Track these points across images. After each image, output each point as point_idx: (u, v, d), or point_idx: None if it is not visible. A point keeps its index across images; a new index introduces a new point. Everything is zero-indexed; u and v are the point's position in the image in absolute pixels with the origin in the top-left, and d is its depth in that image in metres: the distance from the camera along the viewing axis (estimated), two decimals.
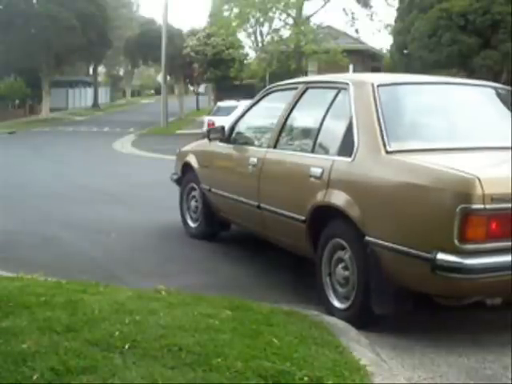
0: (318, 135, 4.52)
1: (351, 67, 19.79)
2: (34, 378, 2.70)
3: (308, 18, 31.12)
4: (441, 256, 3.27)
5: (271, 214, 4.79)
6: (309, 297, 4.38)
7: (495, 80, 20.05)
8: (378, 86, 4.19)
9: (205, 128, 20.95)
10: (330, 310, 4.05)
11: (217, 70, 33.52)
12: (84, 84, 54.88)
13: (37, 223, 7.53)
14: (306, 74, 33.88)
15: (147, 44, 39.87)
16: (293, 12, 29.85)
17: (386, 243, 3.59)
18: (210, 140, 5.99)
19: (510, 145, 3.91)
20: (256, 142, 5.47)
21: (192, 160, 6.31)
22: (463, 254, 3.24)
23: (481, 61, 17.76)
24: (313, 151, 4.51)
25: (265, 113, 5.61)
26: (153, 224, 7.30)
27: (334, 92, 4.56)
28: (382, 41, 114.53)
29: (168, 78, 38.03)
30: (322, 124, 4.52)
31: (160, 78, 41.12)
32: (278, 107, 5.16)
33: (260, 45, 31.45)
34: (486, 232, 3.27)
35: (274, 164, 4.90)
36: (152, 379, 2.71)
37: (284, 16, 30.11)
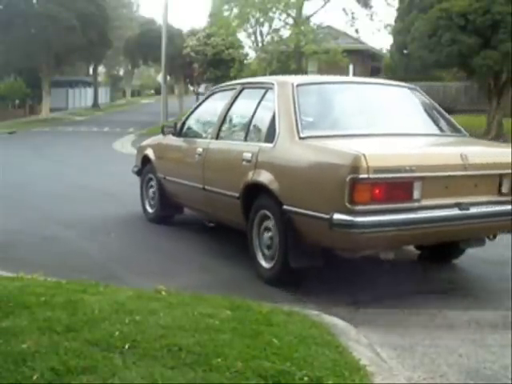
0: (249, 127, 5.48)
1: (351, 67, 19.79)
2: (34, 377, 2.70)
3: (308, 17, 31.09)
4: (336, 216, 4.10)
5: (214, 194, 5.73)
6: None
7: (495, 80, 20.06)
8: (297, 85, 5.13)
9: None
10: (259, 271, 4.97)
11: (217, 70, 33.49)
12: (84, 84, 54.84)
13: (37, 223, 7.53)
14: (306, 74, 33.91)
15: (147, 44, 39.84)
16: (293, 12, 29.82)
17: (298, 209, 4.49)
18: (164, 134, 6.99)
19: (399, 132, 5.02)
20: (202, 135, 6.36)
21: (150, 153, 7.28)
22: (353, 214, 4.04)
23: (481, 61, 17.74)
24: (245, 140, 5.44)
25: (209, 110, 6.45)
26: (151, 224, 7.34)
27: (263, 91, 5.49)
28: (381, 41, 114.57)
29: (168, 77, 37.99)
30: (252, 117, 5.49)
31: (160, 77, 41.11)
32: (220, 105, 6.09)
33: (260, 45, 31.40)
34: (371, 196, 4.10)
35: (215, 152, 5.86)
36: (152, 379, 2.72)
37: (284, 16, 30.09)
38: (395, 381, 3.08)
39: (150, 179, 7.31)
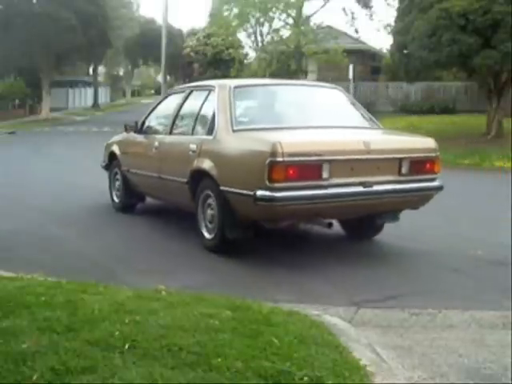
0: (195, 123, 6.45)
1: (351, 67, 19.77)
2: (34, 377, 2.70)
3: (308, 17, 31.09)
4: (259, 192, 5.06)
5: (168, 181, 6.62)
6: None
7: (495, 80, 20.05)
8: (234, 87, 6.14)
9: None
10: (204, 242, 5.94)
11: (217, 70, 33.51)
12: (84, 84, 54.83)
13: (37, 223, 7.53)
14: (306, 74, 33.88)
15: (147, 44, 39.90)
16: (293, 12, 29.82)
17: (231, 189, 5.45)
18: (127, 132, 7.93)
19: (315, 124, 5.98)
20: (158, 131, 7.26)
21: (115, 149, 8.17)
22: (272, 190, 5.01)
23: (481, 61, 17.72)
24: (192, 134, 6.41)
25: (165, 110, 7.38)
26: (150, 223, 7.36)
27: (206, 93, 6.47)
28: (381, 41, 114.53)
29: (168, 77, 38.00)
30: (198, 115, 6.47)
31: (160, 77, 41.11)
32: (173, 105, 7.07)
33: (260, 45, 31.39)
34: (285, 176, 5.05)
35: (169, 146, 6.79)
36: (152, 379, 2.71)
37: (284, 16, 30.10)
38: (395, 381, 3.08)
39: (116, 173, 8.14)
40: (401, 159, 5.63)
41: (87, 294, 3.95)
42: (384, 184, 5.52)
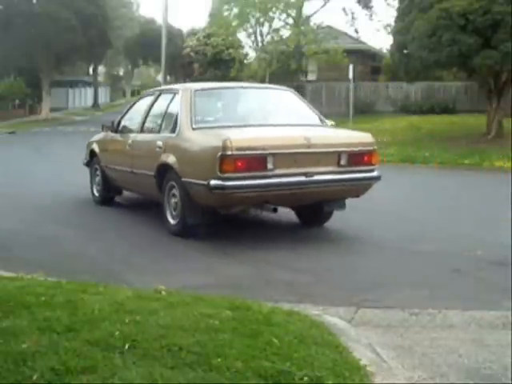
0: (162, 122, 7.20)
1: (351, 67, 19.74)
2: (34, 377, 2.69)
3: (308, 17, 31.10)
4: (212, 182, 5.83)
5: (139, 175, 7.35)
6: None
7: (495, 80, 20.04)
8: (195, 90, 6.95)
9: None
10: (168, 227, 6.66)
11: (217, 70, 33.48)
12: (84, 84, 54.83)
13: (37, 223, 7.53)
14: (306, 73, 33.88)
15: (147, 44, 39.89)
16: (293, 12, 29.83)
17: (191, 180, 6.18)
18: (104, 131, 8.72)
19: (265, 123, 6.78)
20: (132, 130, 7.93)
21: (95, 147, 8.88)
22: (223, 180, 5.78)
23: (481, 61, 17.71)
24: (159, 132, 7.17)
25: (137, 111, 8.09)
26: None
27: (172, 95, 7.25)
28: (382, 41, 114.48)
29: (168, 77, 38.01)
30: (164, 115, 7.24)
31: (160, 77, 41.08)
32: (144, 107, 7.86)
33: (260, 45, 31.37)
34: (235, 167, 5.80)
35: (139, 143, 7.53)
36: (152, 379, 2.71)
37: (284, 16, 30.10)
38: (395, 381, 3.07)
39: (96, 169, 8.85)
40: (340, 152, 6.37)
41: (87, 294, 3.95)
42: (324, 174, 6.29)
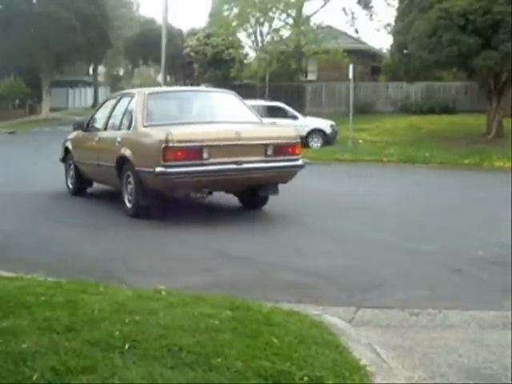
0: (121, 121, 8.35)
1: (351, 67, 19.73)
2: (34, 377, 2.69)
3: (308, 17, 31.09)
4: (157, 169, 7.00)
5: (103, 167, 8.47)
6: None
7: (495, 80, 20.04)
8: (148, 94, 8.26)
9: None
10: (126, 210, 7.79)
11: (217, 70, 33.46)
12: (84, 84, 54.83)
13: (36, 223, 7.53)
14: (306, 73, 33.88)
15: (147, 44, 39.85)
16: (293, 12, 29.83)
17: (142, 168, 7.34)
18: (76, 130, 10.04)
19: (206, 120, 7.95)
20: (98, 128, 9.02)
21: (69, 144, 10.04)
22: (166, 167, 6.95)
23: (481, 61, 17.72)
24: (118, 129, 8.30)
25: (103, 112, 9.29)
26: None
27: (130, 98, 8.45)
28: (382, 41, 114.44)
29: (168, 77, 38.00)
30: (123, 115, 8.36)
31: (160, 77, 41.06)
32: (108, 108, 9.04)
33: (260, 45, 31.35)
34: (175, 157, 7.00)
35: (103, 139, 8.68)
36: (152, 379, 2.71)
37: (284, 16, 30.10)
38: (395, 381, 3.07)
39: (70, 164, 9.91)
40: (266, 144, 7.51)
41: (87, 294, 3.95)
42: (253, 163, 7.42)
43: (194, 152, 7.07)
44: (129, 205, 7.73)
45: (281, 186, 8.00)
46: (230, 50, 32.55)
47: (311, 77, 34.18)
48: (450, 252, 6.02)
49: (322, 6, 30.83)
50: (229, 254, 5.89)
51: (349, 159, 16.33)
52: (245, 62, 33.78)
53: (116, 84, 68.27)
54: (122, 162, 7.75)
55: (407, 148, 18.19)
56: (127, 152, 7.62)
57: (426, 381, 3.19)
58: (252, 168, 7.40)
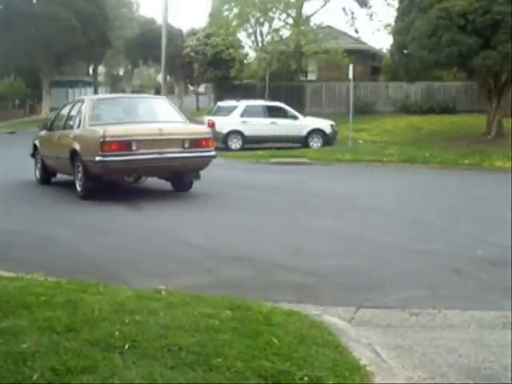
0: (74, 121, 10.21)
1: (351, 67, 19.71)
2: (34, 377, 2.69)
3: (308, 17, 31.06)
4: (97, 158, 8.85)
5: (60, 159, 10.28)
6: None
7: (495, 80, 20.03)
8: (96, 100, 10.87)
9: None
10: (78, 193, 9.54)
11: (217, 70, 33.40)
12: (84, 84, 54.75)
13: (36, 223, 7.53)
14: (306, 73, 33.85)
15: (147, 44, 39.80)
16: (293, 12, 29.80)
17: (87, 158, 9.12)
18: (42, 130, 11.92)
19: (136, 120, 9.96)
20: (58, 128, 11.00)
21: (37, 142, 12.03)
22: (103, 156, 8.85)
23: (481, 61, 17.71)
24: (72, 128, 10.14)
25: (62, 114, 11.28)
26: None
27: (81, 103, 10.38)
28: (382, 41, 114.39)
29: (168, 77, 37.98)
30: (76, 117, 10.20)
31: (160, 77, 41.03)
32: (66, 111, 11.06)
33: (260, 45, 31.31)
34: (110, 148, 8.92)
35: (61, 136, 10.52)
36: (152, 379, 2.71)
37: (284, 16, 30.07)
38: (395, 381, 3.07)
39: (38, 158, 11.81)
40: (184, 139, 9.50)
41: (87, 294, 3.95)
42: (173, 153, 9.36)
43: (124, 145, 9.06)
44: (79, 188, 9.58)
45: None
46: (230, 50, 32.50)
47: (311, 77, 34.15)
48: (450, 252, 6.02)
49: (322, 6, 30.81)
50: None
51: (349, 159, 16.34)
52: (245, 62, 33.72)
53: (116, 84, 68.22)
54: (74, 154, 9.61)
55: (407, 148, 18.19)
56: (77, 146, 9.53)
57: (426, 381, 3.19)
58: (172, 157, 9.33)
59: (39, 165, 11.66)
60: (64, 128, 10.57)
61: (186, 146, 9.38)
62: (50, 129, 11.31)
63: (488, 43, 17.64)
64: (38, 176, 11.71)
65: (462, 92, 29.25)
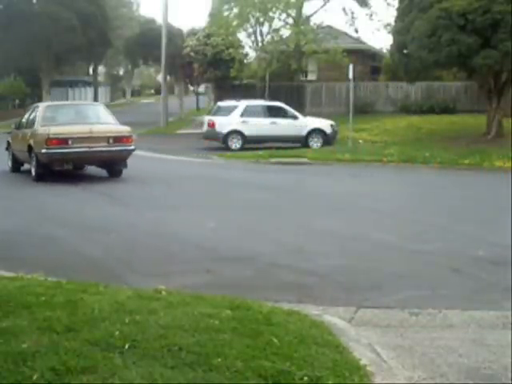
0: (33, 122, 12.76)
1: (351, 67, 19.69)
2: (34, 377, 2.70)
3: (308, 17, 31.05)
4: (43, 150, 11.84)
5: (24, 152, 12.79)
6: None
7: (495, 80, 20.02)
8: (46, 106, 13.86)
9: (205, 128, 20.98)
10: (32, 177, 12.38)
11: (217, 70, 33.38)
12: (84, 84, 54.78)
13: (36, 223, 7.54)
14: (306, 73, 33.84)
15: (147, 44, 39.74)
16: (293, 12, 29.78)
17: (38, 150, 11.98)
18: (14, 129, 14.58)
19: (75, 122, 12.76)
20: (23, 127, 13.56)
21: (9, 138, 14.74)
22: (47, 149, 11.87)
23: (481, 61, 17.70)
24: (30, 128, 12.74)
25: (26, 117, 13.84)
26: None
27: (38, 108, 13.40)
28: (382, 41, 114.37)
29: (168, 77, 37.95)
30: (33, 119, 12.95)
31: (160, 77, 41.03)
32: (32, 115, 13.35)
33: (260, 45, 31.29)
34: (52, 143, 11.83)
35: (23, 134, 13.20)
36: (152, 379, 2.71)
37: (284, 16, 30.05)
38: (395, 381, 3.07)
39: (10, 151, 14.46)
40: (109, 136, 12.08)
41: (87, 294, 3.95)
42: (100, 147, 11.88)
43: (63, 141, 11.72)
44: (33, 173, 12.23)
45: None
46: (230, 50, 32.47)
47: (311, 77, 34.13)
48: (450, 252, 6.02)
49: (321, 6, 30.77)
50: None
51: (349, 159, 16.33)
52: (245, 61, 33.70)
53: (116, 84, 68.30)
54: (30, 147, 12.20)
55: (407, 148, 18.18)
56: (32, 141, 12.15)
57: (426, 381, 3.19)
58: (99, 150, 11.89)
59: (11, 156, 14.49)
60: (26, 127, 13.29)
61: (111, 141, 12.05)
62: (18, 128, 14.08)
63: (488, 43, 17.63)
64: (10, 165, 14.49)
65: (461, 92, 29.25)
